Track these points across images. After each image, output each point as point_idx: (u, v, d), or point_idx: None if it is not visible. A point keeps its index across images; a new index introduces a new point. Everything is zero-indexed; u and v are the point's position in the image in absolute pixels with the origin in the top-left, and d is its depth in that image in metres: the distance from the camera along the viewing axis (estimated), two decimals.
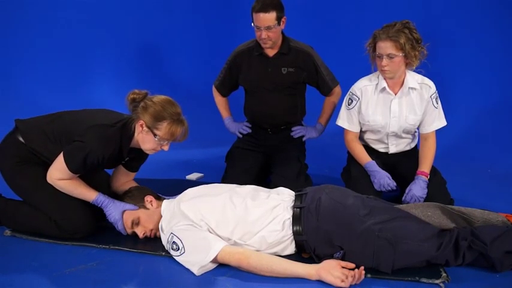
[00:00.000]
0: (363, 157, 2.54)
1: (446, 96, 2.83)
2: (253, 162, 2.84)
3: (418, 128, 2.56)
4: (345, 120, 2.59)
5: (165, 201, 2.20)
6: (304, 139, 2.92)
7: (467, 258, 1.88)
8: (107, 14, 4.55)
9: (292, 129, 2.91)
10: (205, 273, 1.89)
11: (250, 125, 2.95)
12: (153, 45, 4.77)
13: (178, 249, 1.93)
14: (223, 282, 1.84)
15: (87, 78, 4.56)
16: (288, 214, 1.98)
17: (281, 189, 2.18)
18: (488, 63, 3.91)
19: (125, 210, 2.15)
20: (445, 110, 2.52)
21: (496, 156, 3.42)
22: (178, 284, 1.84)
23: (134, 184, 2.38)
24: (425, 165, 2.45)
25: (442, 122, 2.51)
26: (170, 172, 3.18)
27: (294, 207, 2.01)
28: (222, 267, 1.92)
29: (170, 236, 1.97)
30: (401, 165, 2.59)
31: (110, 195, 2.20)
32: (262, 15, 2.55)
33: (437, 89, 2.46)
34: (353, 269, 1.81)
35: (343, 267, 1.82)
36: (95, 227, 2.19)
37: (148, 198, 2.19)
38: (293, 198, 2.07)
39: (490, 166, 3.29)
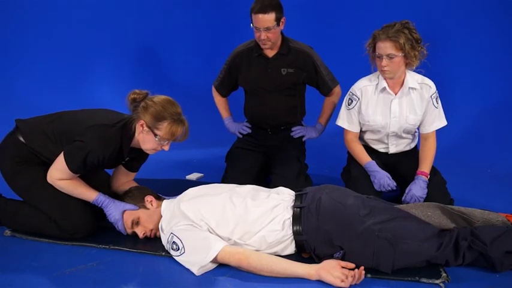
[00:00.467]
0: (363, 157, 2.54)
1: (446, 96, 2.83)
2: (253, 162, 2.84)
3: (418, 128, 2.56)
4: (345, 120, 2.59)
5: (165, 201, 2.20)
6: (304, 139, 2.92)
7: (467, 258, 1.88)
8: (107, 14, 4.56)
9: (292, 129, 2.91)
10: (205, 273, 1.89)
11: (250, 125, 2.95)
12: (153, 45, 4.77)
13: (178, 249, 1.93)
14: (223, 282, 1.84)
15: (87, 78, 4.57)
16: (288, 214, 1.98)
17: (281, 189, 2.18)
18: (488, 63, 3.90)
19: (125, 210, 2.15)
20: (445, 110, 2.52)
21: (496, 156, 3.41)
22: (178, 284, 1.84)
23: (134, 184, 2.38)
24: (425, 165, 2.45)
25: (442, 122, 2.51)
26: (170, 172, 3.18)
27: (294, 207, 2.00)
28: (222, 267, 1.92)
29: (170, 236, 1.97)
30: (401, 165, 2.59)
31: (110, 195, 2.20)
32: (261, 16, 2.54)
33: (437, 89, 2.46)
34: (353, 269, 1.81)
35: (343, 267, 1.82)
36: (95, 227, 2.19)
37: (149, 198, 2.19)
38: (293, 198, 2.07)
39: (490, 166, 3.29)
